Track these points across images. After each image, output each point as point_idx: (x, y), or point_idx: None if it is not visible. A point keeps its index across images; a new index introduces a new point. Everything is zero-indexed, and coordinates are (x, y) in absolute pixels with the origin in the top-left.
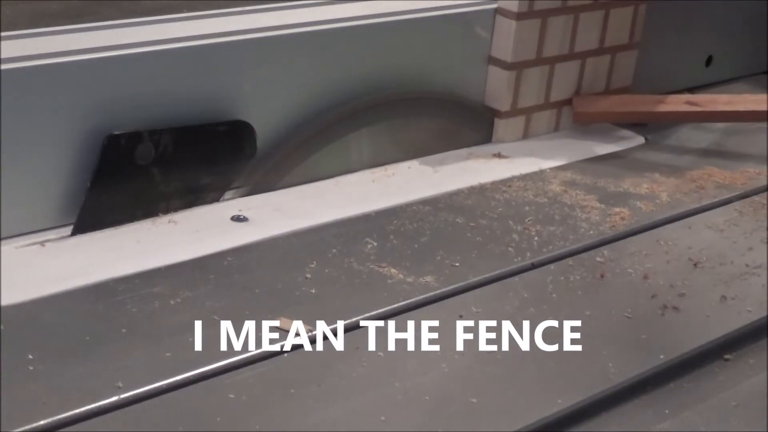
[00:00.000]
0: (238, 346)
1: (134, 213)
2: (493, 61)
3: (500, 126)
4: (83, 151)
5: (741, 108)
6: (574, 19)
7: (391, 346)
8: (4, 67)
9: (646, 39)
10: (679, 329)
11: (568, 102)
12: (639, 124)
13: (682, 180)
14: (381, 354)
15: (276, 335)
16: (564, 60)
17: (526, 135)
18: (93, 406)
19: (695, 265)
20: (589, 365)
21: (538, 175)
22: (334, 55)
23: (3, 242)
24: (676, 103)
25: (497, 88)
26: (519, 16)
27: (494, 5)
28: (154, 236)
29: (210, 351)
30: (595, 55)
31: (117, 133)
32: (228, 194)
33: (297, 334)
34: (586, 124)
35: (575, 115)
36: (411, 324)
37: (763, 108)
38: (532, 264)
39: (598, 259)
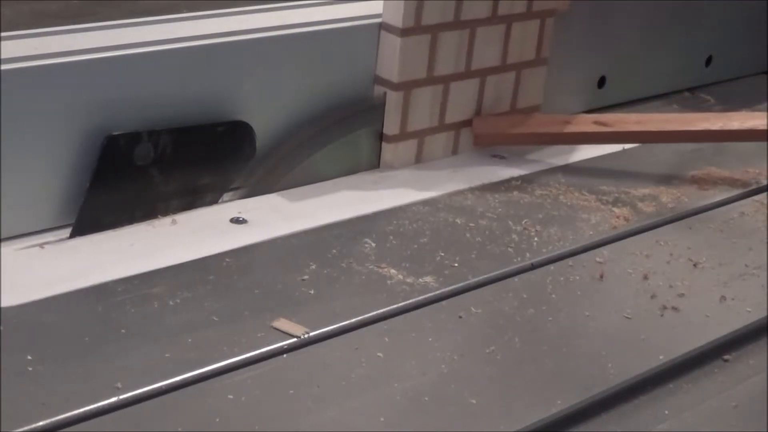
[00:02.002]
0: (237, 347)
1: (133, 214)
2: (378, 80)
3: (388, 150)
4: (82, 151)
5: (651, 128)
6: (469, 35)
7: (391, 347)
8: (4, 67)
9: (645, 39)
10: (678, 329)
11: (469, 123)
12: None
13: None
14: (380, 354)
15: (275, 336)
16: (460, 78)
17: (418, 160)
18: (92, 406)
19: (695, 265)
20: (588, 365)
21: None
22: (335, 55)
23: (2, 244)
24: (584, 124)
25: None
26: (404, 32)
27: (378, 20)
28: (153, 237)
29: (209, 352)
30: (496, 73)
31: (116, 133)
32: (227, 195)
33: (296, 335)
34: (488, 147)
35: (475, 138)
36: (410, 324)
37: (672, 128)
38: (532, 264)
39: (598, 259)
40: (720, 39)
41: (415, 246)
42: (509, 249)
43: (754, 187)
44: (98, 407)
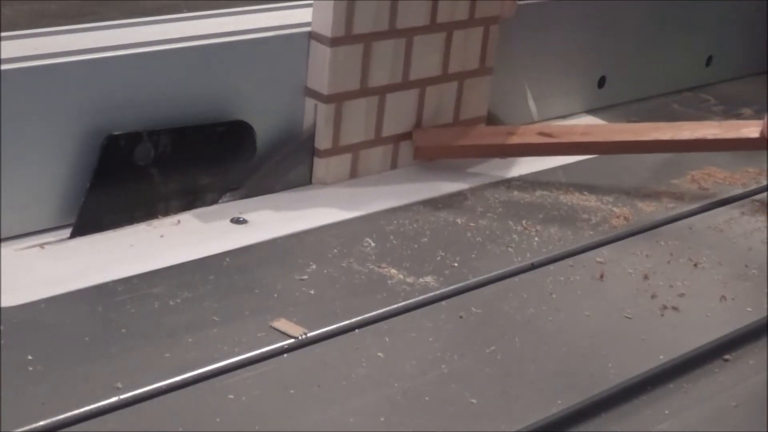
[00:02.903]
0: (237, 346)
1: (133, 214)
2: (309, 92)
3: (320, 166)
4: (82, 151)
5: (598, 139)
6: (406, 43)
7: (391, 347)
8: (4, 67)
9: (645, 39)
10: (678, 329)
11: (408, 136)
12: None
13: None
14: (381, 354)
15: (275, 336)
16: (397, 89)
17: (354, 175)
18: (92, 406)
19: (695, 265)
20: (589, 365)
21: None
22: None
23: (2, 244)
24: (528, 135)
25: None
26: (334, 42)
27: (307, 29)
28: (154, 238)
29: (209, 352)
30: (437, 83)
31: (116, 133)
32: (227, 196)
33: (294, 336)
34: (430, 160)
35: (416, 151)
36: (411, 324)
37: (621, 138)
38: (532, 264)
39: (598, 259)
40: (720, 39)
41: (416, 246)
42: (509, 249)
43: (754, 187)
44: (98, 407)
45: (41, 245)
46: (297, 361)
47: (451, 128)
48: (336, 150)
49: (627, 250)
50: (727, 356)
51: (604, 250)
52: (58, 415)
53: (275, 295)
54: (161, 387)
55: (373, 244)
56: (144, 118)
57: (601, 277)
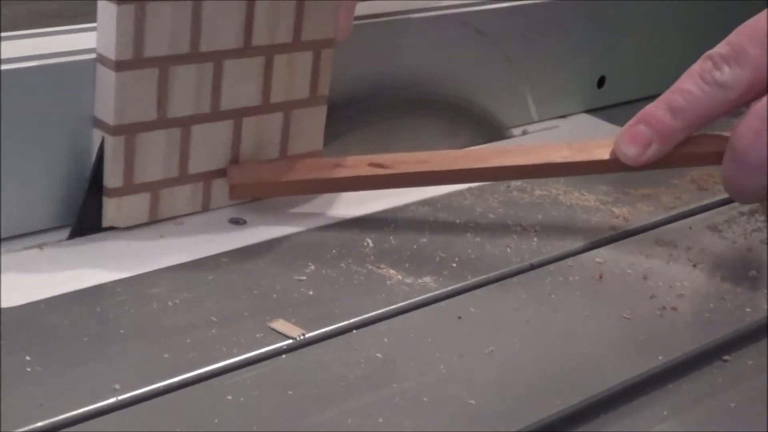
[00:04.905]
0: (236, 347)
1: None
2: (96, 123)
3: (110, 206)
4: (82, 151)
5: (436, 168)
6: (214, 69)
7: (390, 347)
8: (4, 67)
9: (645, 39)
10: (678, 330)
11: (223, 173)
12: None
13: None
14: (379, 355)
15: (274, 337)
16: (205, 120)
17: (154, 217)
18: (91, 407)
19: (694, 265)
20: (587, 366)
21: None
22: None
23: (1, 245)
24: (358, 167)
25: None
26: (120, 66)
27: (93, 54)
28: (153, 238)
29: (208, 352)
30: (256, 114)
31: None
32: None
33: (292, 337)
34: (251, 199)
35: (231, 189)
36: (409, 325)
37: (462, 166)
38: (531, 265)
39: (597, 259)
40: (720, 39)
41: (415, 246)
42: (508, 249)
43: None
44: (96, 408)
45: (40, 246)
46: (295, 361)
47: (271, 163)
48: (129, 188)
49: (626, 250)
50: (726, 357)
51: (604, 251)
52: (57, 415)
53: (274, 296)
54: (159, 387)
55: (372, 245)
56: None
57: (600, 277)
